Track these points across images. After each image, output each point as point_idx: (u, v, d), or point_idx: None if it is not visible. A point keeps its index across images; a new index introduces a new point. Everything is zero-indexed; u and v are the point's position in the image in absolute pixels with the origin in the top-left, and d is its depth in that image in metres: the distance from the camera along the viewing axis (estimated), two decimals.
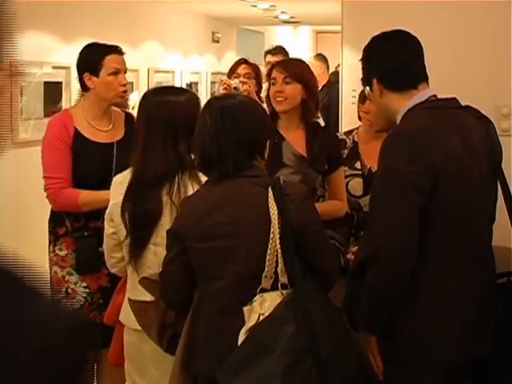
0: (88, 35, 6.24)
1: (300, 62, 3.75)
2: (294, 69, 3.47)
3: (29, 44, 5.49)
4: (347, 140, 3.65)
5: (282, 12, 9.83)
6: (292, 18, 10.71)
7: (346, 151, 3.62)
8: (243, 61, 4.88)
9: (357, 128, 3.63)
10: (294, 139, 3.42)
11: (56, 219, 3.58)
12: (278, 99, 3.40)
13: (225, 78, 4.70)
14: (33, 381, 0.77)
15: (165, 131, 2.70)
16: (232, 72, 4.78)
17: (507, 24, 4.02)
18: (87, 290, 3.61)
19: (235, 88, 4.36)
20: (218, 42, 10.00)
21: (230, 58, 9.48)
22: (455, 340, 2.43)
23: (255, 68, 4.86)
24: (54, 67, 6.06)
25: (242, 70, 4.77)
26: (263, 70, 5.35)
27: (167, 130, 2.71)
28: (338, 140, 3.56)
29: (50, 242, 3.62)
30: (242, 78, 4.60)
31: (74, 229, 3.54)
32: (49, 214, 3.63)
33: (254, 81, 4.74)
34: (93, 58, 3.56)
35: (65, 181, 3.47)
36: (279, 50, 6.27)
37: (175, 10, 8.81)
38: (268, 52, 6.36)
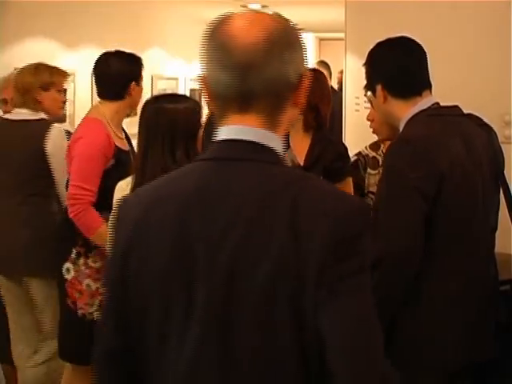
0: (92, 42, 6.29)
1: None
2: None
3: (33, 50, 5.52)
4: (378, 157, 3.49)
5: None
6: (295, 25, 10.74)
7: (380, 170, 3.40)
8: None
9: (380, 141, 3.50)
10: (300, 149, 3.47)
11: None
12: None
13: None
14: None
15: (162, 138, 2.74)
16: None
17: (507, 24, 4.02)
18: None
19: None
20: None
21: None
22: (456, 341, 2.43)
23: None
24: None
25: None
26: None
27: (165, 136, 2.74)
28: (344, 152, 3.53)
29: (78, 255, 3.51)
30: None
31: None
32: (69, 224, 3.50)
33: None
34: (137, 69, 3.69)
35: (94, 195, 3.40)
36: None
37: (178, 17, 8.83)
38: None
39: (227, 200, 1.33)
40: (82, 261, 3.51)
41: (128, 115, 3.73)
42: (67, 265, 3.52)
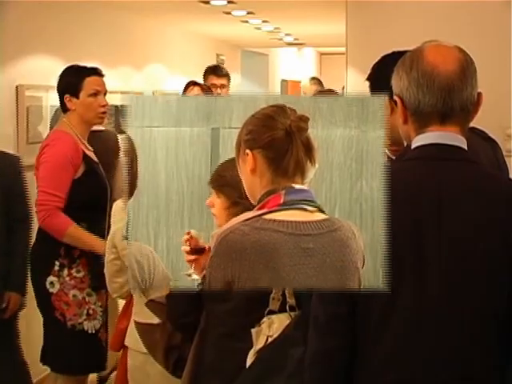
0: (93, 59, 6.28)
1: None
2: None
3: (35, 67, 5.52)
4: None
5: (287, 34, 9.86)
6: (296, 39, 10.75)
7: None
8: (192, 83, 4.95)
9: None
10: None
11: None
12: None
13: None
14: None
15: None
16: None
17: (507, 24, 4.00)
18: (101, 309, 3.61)
19: None
20: (222, 64, 10.05)
21: (234, 80, 9.52)
22: None
23: (205, 89, 4.92)
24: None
25: (190, 92, 4.84)
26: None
27: None
28: None
29: (62, 266, 3.54)
30: None
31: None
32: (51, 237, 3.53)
33: None
34: (73, 80, 3.64)
35: (61, 200, 3.45)
36: (224, 72, 5.93)
37: (179, 33, 8.85)
38: (212, 72, 5.98)
39: (447, 186, 1.74)
40: (66, 272, 3.54)
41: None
42: (50, 278, 3.52)
